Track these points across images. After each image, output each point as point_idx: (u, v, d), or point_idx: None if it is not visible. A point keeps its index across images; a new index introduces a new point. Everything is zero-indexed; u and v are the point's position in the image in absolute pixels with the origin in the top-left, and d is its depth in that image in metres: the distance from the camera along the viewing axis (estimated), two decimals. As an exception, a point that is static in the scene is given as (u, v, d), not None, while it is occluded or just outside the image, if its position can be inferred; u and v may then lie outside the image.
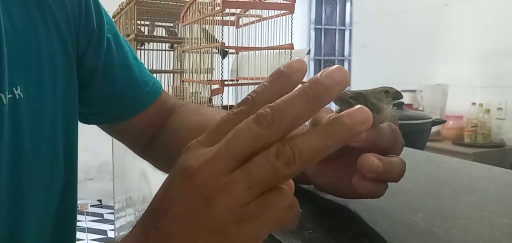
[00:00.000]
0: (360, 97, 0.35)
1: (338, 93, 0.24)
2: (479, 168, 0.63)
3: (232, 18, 1.21)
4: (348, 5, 5.07)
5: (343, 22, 5.13)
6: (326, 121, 0.24)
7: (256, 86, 0.27)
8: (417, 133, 1.33)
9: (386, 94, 0.35)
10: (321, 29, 5.06)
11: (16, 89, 0.43)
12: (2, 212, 0.42)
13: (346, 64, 5.16)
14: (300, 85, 0.25)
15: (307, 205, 0.42)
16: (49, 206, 0.49)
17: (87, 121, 0.60)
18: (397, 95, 0.36)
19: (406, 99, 2.55)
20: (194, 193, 0.24)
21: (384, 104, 0.35)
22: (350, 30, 4.89)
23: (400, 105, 1.43)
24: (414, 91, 2.70)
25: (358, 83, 3.60)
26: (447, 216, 0.41)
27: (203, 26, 1.05)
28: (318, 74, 0.24)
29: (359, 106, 0.24)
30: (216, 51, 1.06)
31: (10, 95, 0.42)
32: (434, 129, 1.65)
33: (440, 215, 0.41)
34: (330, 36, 5.12)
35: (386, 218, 0.40)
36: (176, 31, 1.53)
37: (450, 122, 2.44)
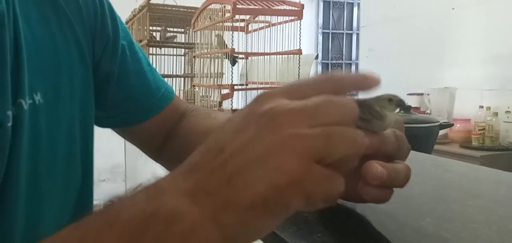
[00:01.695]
0: (364, 105, 0.35)
1: None
2: (487, 172, 0.64)
3: (242, 24, 1.23)
4: (355, 9, 5.07)
5: (350, 27, 5.13)
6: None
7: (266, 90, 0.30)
8: (424, 136, 1.33)
9: (390, 102, 0.36)
10: (328, 33, 5.07)
11: (36, 95, 0.44)
12: (20, 216, 0.43)
13: (353, 68, 5.15)
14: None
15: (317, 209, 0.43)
16: (66, 209, 0.50)
17: (101, 125, 0.61)
18: (401, 102, 0.36)
19: (413, 102, 2.55)
20: (276, 134, 0.25)
21: (387, 112, 0.35)
22: (357, 34, 4.89)
23: (408, 109, 1.44)
24: (421, 94, 2.70)
25: (365, 87, 3.59)
26: (455, 220, 0.42)
27: (217, 32, 1.06)
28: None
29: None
30: (225, 56, 1.08)
31: (30, 101, 0.43)
32: (441, 132, 1.65)
33: (448, 219, 0.42)
34: (337, 40, 5.12)
35: (395, 222, 0.40)
36: (182, 38, 1.54)
37: (458, 125, 2.43)
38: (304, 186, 0.25)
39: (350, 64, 5.18)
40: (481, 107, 2.41)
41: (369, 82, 0.31)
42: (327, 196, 0.26)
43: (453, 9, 2.73)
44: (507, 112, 2.34)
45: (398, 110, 0.36)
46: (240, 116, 0.28)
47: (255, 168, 0.25)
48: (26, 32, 0.44)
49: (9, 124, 0.40)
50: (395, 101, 0.36)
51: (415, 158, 0.71)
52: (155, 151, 0.65)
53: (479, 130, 2.33)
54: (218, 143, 0.27)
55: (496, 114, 2.33)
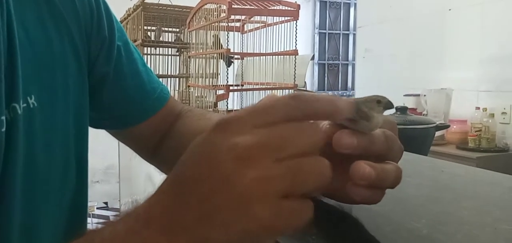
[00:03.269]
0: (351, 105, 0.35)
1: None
2: (482, 174, 0.64)
3: (237, 24, 1.22)
4: (352, 10, 5.09)
5: (347, 27, 5.14)
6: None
7: (262, 91, 0.30)
8: (421, 137, 1.33)
9: (378, 103, 0.36)
10: (325, 33, 5.08)
11: (30, 98, 0.43)
12: (16, 221, 0.42)
13: (349, 68, 5.17)
14: None
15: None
16: (61, 211, 0.49)
17: (96, 126, 0.61)
18: (389, 105, 0.37)
19: (410, 103, 2.55)
20: (243, 177, 0.25)
21: (374, 113, 0.35)
22: (354, 34, 4.90)
23: (404, 110, 1.44)
24: (418, 95, 2.70)
25: (362, 87, 3.60)
26: (450, 222, 0.42)
27: (214, 33, 1.06)
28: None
29: None
30: (220, 57, 1.08)
31: (25, 105, 0.43)
32: (438, 133, 1.65)
33: (443, 221, 0.42)
34: (334, 40, 5.13)
35: (389, 223, 0.40)
36: (182, 37, 1.54)
37: (454, 127, 2.43)
38: (274, 227, 0.26)
39: (347, 64, 5.19)
40: (478, 108, 2.42)
41: (340, 112, 0.30)
42: (297, 226, 0.27)
43: (449, 10, 2.73)
44: (503, 113, 2.34)
45: (385, 112, 0.36)
46: (208, 145, 0.28)
47: (229, 211, 0.26)
48: (21, 35, 0.44)
49: (3, 129, 0.40)
50: (383, 103, 0.36)
51: (410, 160, 0.71)
52: (149, 152, 0.65)
53: (476, 131, 2.34)
54: (193, 172, 0.28)
55: (492, 115, 2.34)
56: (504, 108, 2.35)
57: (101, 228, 0.30)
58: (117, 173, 2.47)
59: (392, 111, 1.52)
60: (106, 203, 3.77)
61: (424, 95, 2.65)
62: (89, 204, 0.58)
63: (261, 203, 0.25)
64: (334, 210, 0.43)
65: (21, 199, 0.43)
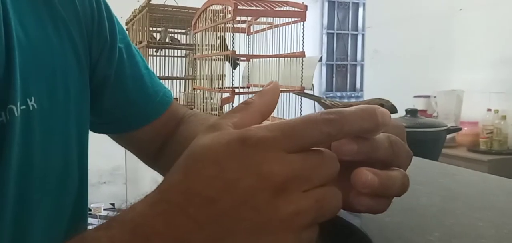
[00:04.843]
0: None
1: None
2: (496, 181, 0.61)
3: (243, 25, 1.21)
4: (360, 10, 5.05)
5: (355, 27, 5.10)
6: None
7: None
8: (432, 141, 1.31)
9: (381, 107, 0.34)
10: (333, 34, 5.04)
11: (30, 100, 0.42)
12: (6, 222, 0.41)
13: (358, 69, 5.13)
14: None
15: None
16: (59, 214, 0.48)
17: (97, 130, 0.60)
18: (392, 109, 0.34)
19: (420, 105, 2.52)
20: (274, 211, 0.25)
21: None
22: (363, 35, 4.86)
23: (414, 112, 1.41)
24: (428, 96, 2.66)
25: (370, 89, 3.57)
26: (465, 236, 0.40)
27: (220, 34, 1.04)
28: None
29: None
30: (226, 59, 1.06)
31: (24, 106, 0.42)
32: (448, 135, 1.62)
33: (457, 235, 0.40)
34: (342, 41, 5.09)
35: (401, 237, 0.38)
36: (178, 38, 1.53)
37: (465, 129, 2.39)
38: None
39: (355, 65, 5.15)
40: (489, 110, 2.38)
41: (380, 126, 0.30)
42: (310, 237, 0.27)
43: (460, 10, 2.69)
44: (516, 115, 2.30)
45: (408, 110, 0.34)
46: (232, 159, 0.26)
47: (248, 238, 0.25)
48: (20, 35, 0.43)
49: None
50: (386, 107, 0.34)
51: (421, 166, 0.68)
52: (151, 157, 0.64)
53: (487, 133, 2.30)
54: (208, 187, 0.25)
55: (504, 117, 2.30)
56: (517, 110, 2.31)
57: (95, 236, 0.28)
58: (124, 174, 2.47)
59: (402, 113, 1.50)
60: (113, 204, 3.78)
61: (435, 97, 2.62)
62: (96, 205, 0.57)
63: (288, 236, 0.25)
64: (341, 221, 0.41)
65: (13, 201, 0.42)
